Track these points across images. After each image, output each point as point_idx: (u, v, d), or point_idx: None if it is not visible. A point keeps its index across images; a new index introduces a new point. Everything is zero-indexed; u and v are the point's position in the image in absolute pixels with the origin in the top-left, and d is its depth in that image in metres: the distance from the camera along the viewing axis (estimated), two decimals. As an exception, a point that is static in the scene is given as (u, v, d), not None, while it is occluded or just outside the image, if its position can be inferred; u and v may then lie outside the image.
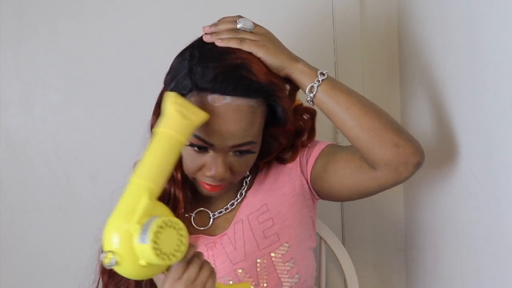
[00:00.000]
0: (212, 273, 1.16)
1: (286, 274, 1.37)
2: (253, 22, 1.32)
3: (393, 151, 1.26)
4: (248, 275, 1.35)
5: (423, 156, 1.29)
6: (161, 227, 1.07)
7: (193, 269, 1.13)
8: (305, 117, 1.40)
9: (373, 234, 1.86)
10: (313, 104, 1.31)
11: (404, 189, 1.81)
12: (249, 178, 1.42)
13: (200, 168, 1.28)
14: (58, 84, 1.77)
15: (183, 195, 1.35)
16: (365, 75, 1.80)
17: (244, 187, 1.41)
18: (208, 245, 1.38)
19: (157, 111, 1.31)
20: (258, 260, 1.37)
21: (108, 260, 1.08)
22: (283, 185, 1.41)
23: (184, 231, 1.10)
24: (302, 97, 1.40)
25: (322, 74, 1.29)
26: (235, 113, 1.22)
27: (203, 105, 1.22)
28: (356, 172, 1.32)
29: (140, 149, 1.38)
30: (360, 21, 1.78)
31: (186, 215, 1.39)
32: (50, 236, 1.79)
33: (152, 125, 1.33)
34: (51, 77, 1.76)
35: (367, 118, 1.26)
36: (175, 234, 1.09)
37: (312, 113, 1.41)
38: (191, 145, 1.25)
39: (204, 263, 1.15)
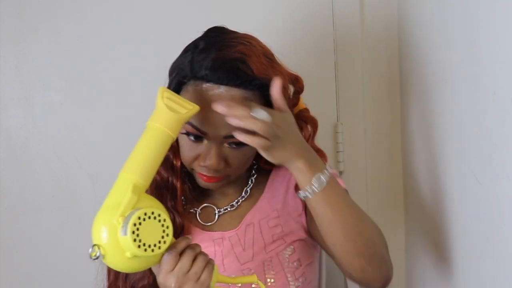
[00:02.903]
0: (209, 264, 1.15)
1: (293, 273, 1.38)
2: (268, 113, 1.19)
3: (357, 275, 1.27)
4: (255, 274, 1.36)
5: (386, 284, 1.31)
6: (141, 218, 1.08)
7: (185, 260, 1.13)
8: (308, 126, 1.39)
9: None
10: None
11: (404, 189, 1.82)
12: (254, 177, 1.43)
13: (196, 158, 1.29)
14: (58, 84, 1.77)
15: (181, 184, 1.36)
16: (365, 74, 1.81)
17: (250, 185, 1.42)
18: (216, 241, 1.38)
19: None
20: (266, 261, 1.37)
21: (94, 254, 1.10)
22: (296, 197, 1.40)
23: (167, 222, 1.11)
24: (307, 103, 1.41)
25: (318, 180, 1.21)
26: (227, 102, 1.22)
27: (198, 94, 1.24)
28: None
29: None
30: (360, 21, 1.78)
31: (192, 210, 1.41)
32: (50, 236, 1.79)
33: None
34: (51, 77, 1.77)
35: (345, 239, 1.24)
36: (158, 225, 1.10)
37: (314, 124, 1.40)
38: (187, 133, 1.27)
39: (199, 255, 1.15)
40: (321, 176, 1.21)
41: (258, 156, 1.38)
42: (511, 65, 1.04)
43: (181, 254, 1.14)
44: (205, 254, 1.16)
